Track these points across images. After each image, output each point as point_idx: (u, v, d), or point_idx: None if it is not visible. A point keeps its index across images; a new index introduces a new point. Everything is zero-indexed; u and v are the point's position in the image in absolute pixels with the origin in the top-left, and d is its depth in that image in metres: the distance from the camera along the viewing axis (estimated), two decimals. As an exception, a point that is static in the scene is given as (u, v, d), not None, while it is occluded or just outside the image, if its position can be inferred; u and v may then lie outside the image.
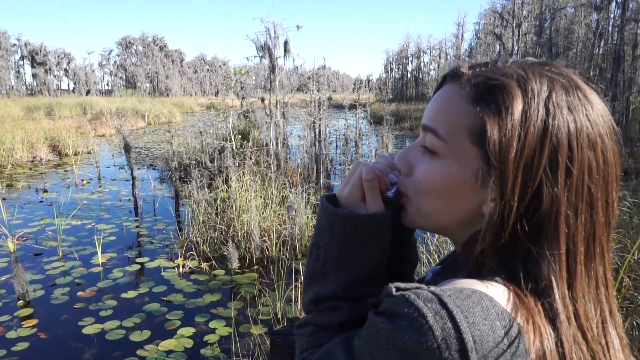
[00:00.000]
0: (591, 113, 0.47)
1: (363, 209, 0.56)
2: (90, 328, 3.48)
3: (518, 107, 0.46)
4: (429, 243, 3.52)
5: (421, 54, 41.09)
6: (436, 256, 3.33)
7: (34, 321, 3.58)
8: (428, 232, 3.13)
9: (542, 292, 0.46)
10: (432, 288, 0.43)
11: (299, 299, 3.58)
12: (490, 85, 0.48)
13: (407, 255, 0.66)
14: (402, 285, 0.46)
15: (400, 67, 45.23)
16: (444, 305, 0.41)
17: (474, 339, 0.40)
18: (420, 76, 40.66)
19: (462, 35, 30.24)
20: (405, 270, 0.66)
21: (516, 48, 16.38)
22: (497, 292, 0.45)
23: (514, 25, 16.05)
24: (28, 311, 3.74)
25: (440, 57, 37.54)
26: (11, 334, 3.38)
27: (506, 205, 0.46)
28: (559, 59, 14.50)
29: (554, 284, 0.45)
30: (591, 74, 14.09)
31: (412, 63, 43.34)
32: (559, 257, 0.46)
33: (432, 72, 39.36)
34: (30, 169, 10.44)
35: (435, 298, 0.41)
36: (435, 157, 0.52)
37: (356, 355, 0.47)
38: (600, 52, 14.30)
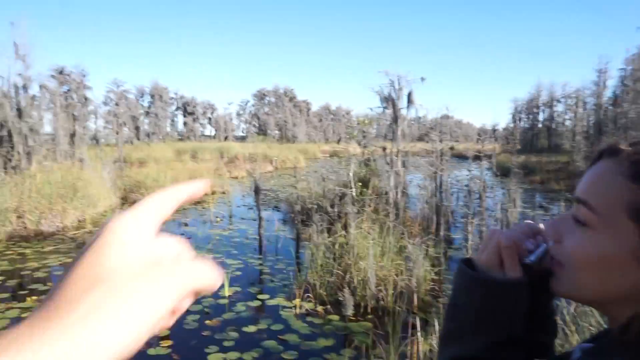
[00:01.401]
0: None
1: (501, 274, 0.58)
2: (215, 357, 3.74)
3: None
4: (564, 312, 3.15)
5: (554, 103, 38.15)
6: (573, 328, 2.96)
7: (170, 342, 3.97)
8: (564, 300, 2.82)
9: None
10: None
11: (414, 355, 3.43)
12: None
13: (545, 325, 0.64)
14: None
15: (530, 116, 42.35)
16: None
17: None
18: (554, 126, 37.58)
19: (604, 83, 27.49)
20: (545, 340, 0.63)
21: (675, 96, 14.36)
22: None
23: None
24: (165, 332, 4.18)
25: (577, 106, 34.45)
26: (151, 351, 3.79)
27: None
28: None
29: None
30: None
31: (543, 112, 40.37)
32: None
33: (567, 122, 36.15)
34: (175, 204, 11.87)
35: None
36: (588, 230, 0.52)
37: None
38: None
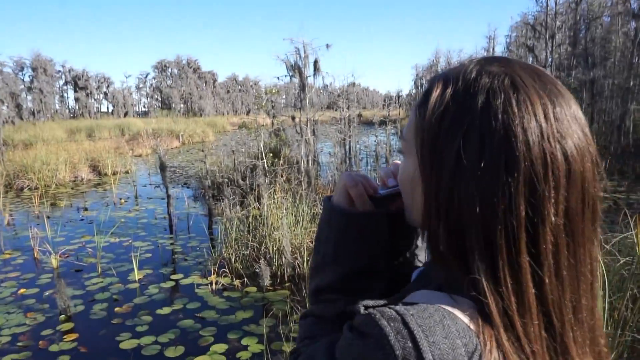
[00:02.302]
0: (511, 104, 0.44)
1: (352, 208, 0.63)
2: (127, 343, 3.56)
3: (435, 94, 0.48)
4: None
5: (451, 69, 40.71)
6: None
7: (75, 335, 3.70)
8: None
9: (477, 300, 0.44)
10: (398, 307, 0.44)
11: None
12: (427, 86, 0.52)
13: (408, 257, 0.67)
14: (371, 303, 0.47)
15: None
16: (405, 324, 0.41)
17: (433, 358, 0.40)
18: (451, 91, 40.21)
19: (493, 49, 29.85)
20: (409, 271, 0.66)
21: (550, 60, 16.03)
22: (462, 308, 0.44)
23: (547, 36, 15.75)
24: (69, 325, 3.88)
25: (471, 71, 37.02)
26: (54, 347, 3.50)
27: (427, 197, 0.48)
28: (595, 69, 14.10)
29: (484, 288, 0.43)
30: (631, 83, 13.60)
31: (442, 78, 42.95)
32: (481, 256, 0.44)
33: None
34: (72, 188, 10.91)
35: (398, 317, 0.42)
36: (404, 157, 0.56)
37: None
38: (640, 61, 13.83)
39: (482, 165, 0.43)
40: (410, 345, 0.40)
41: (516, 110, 0.43)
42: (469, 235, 0.44)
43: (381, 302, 0.48)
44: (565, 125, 0.44)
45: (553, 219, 0.43)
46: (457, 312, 0.43)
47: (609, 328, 2.16)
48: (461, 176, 0.44)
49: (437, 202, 0.47)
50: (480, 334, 0.42)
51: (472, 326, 0.43)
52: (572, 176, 0.44)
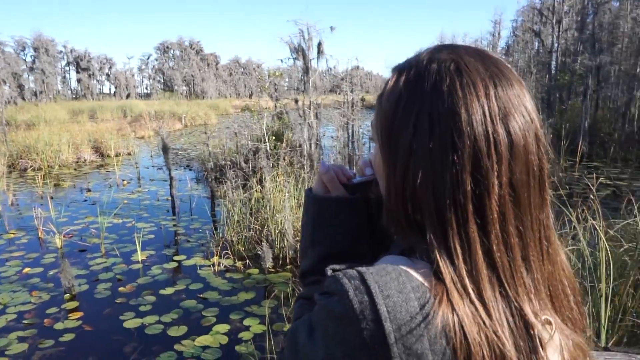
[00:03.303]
0: (455, 88, 0.47)
1: (327, 194, 0.68)
2: (131, 322, 3.61)
3: (390, 83, 0.53)
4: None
5: (456, 53, 40.36)
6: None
7: (79, 314, 3.75)
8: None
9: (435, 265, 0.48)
10: (359, 267, 0.48)
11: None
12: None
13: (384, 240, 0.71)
14: (337, 266, 0.53)
15: (435, 66, 44.60)
16: (363, 281, 0.45)
17: (387, 310, 0.44)
18: (455, 75, 39.88)
19: (498, 33, 29.46)
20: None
21: (556, 45, 15.82)
22: (419, 268, 0.48)
23: (554, 21, 15.51)
24: (74, 304, 3.93)
25: (476, 56, 36.63)
26: (59, 325, 3.56)
27: (388, 177, 0.52)
28: (603, 55, 13.90)
29: (437, 257, 0.47)
30: (638, 70, 13.43)
31: (446, 62, 42.65)
32: (434, 228, 0.48)
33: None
34: (75, 169, 10.93)
35: (358, 275, 0.46)
36: (375, 144, 0.59)
37: (313, 329, 0.51)
38: (649, 47, 13.59)
39: (431, 145, 0.47)
40: (366, 299, 0.44)
41: (460, 93, 0.47)
42: (423, 210, 0.48)
43: (346, 265, 0.53)
44: (507, 104, 0.47)
45: (497, 190, 0.46)
46: (412, 272, 0.47)
47: (611, 313, 2.18)
48: (414, 156, 0.48)
49: (394, 182, 0.51)
50: (432, 288, 0.45)
51: (426, 283, 0.46)
52: (515, 150, 0.47)
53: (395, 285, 0.45)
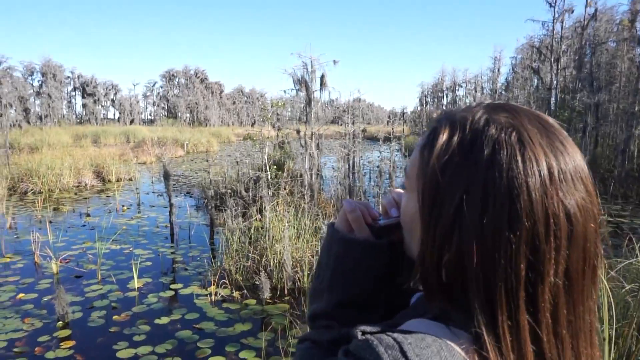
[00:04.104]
0: (517, 161, 0.43)
1: (351, 234, 0.63)
2: (124, 352, 3.53)
3: (441, 139, 0.48)
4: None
5: (457, 88, 40.98)
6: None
7: (72, 343, 3.67)
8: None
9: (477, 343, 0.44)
10: (395, 334, 0.44)
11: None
12: (432, 125, 0.51)
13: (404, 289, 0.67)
14: (368, 328, 0.47)
15: (435, 100, 45.17)
16: (403, 353, 0.41)
17: None
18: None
19: (498, 70, 30.05)
20: (405, 303, 0.66)
21: (555, 82, 16.10)
22: (459, 342, 0.44)
23: (552, 59, 15.85)
24: (66, 332, 3.85)
25: (476, 91, 37.30)
26: (50, 354, 3.47)
27: (424, 241, 0.48)
28: (601, 93, 14.13)
29: (485, 341, 0.43)
30: (636, 108, 13.62)
31: (447, 96, 43.23)
32: (482, 311, 0.44)
33: (468, 106, 39.04)
34: (75, 193, 10.93)
35: (396, 345, 0.42)
36: (406, 194, 0.55)
37: None
38: (646, 86, 13.83)
39: (484, 221, 0.43)
40: None
41: (521, 168, 0.43)
42: (470, 287, 0.44)
43: (378, 327, 0.48)
44: (570, 184, 0.44)
45: (552, 279, 0.43)
46: (454, 345, 0.43)
47: (615, 356, 2.13)
48: (460, 229, 0.44)
49: (431, 248, 0.47)
50: None
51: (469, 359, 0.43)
52: (574, 236, 0.43)
53: None
